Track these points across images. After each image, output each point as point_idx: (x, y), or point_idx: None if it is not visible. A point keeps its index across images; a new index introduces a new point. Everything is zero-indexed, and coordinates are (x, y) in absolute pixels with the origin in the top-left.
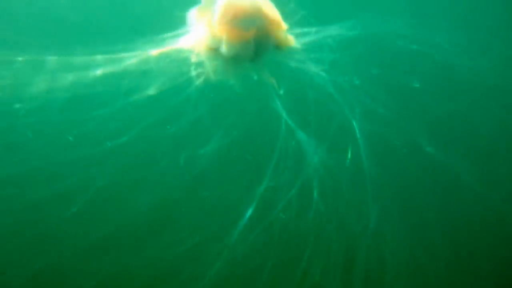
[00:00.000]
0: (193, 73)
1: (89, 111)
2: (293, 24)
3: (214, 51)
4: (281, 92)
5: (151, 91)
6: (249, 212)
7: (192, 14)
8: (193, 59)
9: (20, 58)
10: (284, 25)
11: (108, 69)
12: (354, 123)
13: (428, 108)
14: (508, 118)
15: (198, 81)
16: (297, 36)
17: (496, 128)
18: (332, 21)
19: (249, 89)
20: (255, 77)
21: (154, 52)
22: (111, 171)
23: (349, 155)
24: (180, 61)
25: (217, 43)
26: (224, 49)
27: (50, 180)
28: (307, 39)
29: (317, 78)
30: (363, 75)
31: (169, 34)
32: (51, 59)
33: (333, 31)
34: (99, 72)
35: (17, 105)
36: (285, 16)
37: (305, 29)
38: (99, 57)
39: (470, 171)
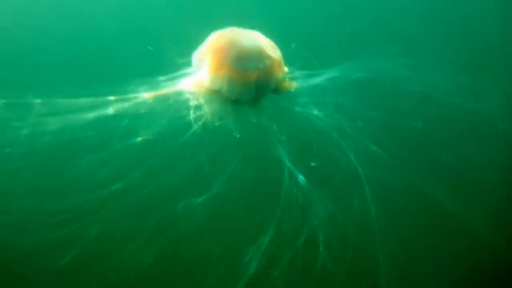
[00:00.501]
0: (192, 116)
1: (81, 157)
2: (294, 66)
3: (214, 93)
4: (283, 137)
5: (147, 135)
6: (252, 267)
7: (193, 56)
8: (192, 102)
9: (4, 100)
10: (285, 68)
11: (101, 112)
12: (360, 170)
13: (434, 152)
14: None
15: (197, 125)
16: (298, 78)
17: (504, 173)
18: (333, 62)
19: (250, 134)
20: (255, 121)
21: (150, 94)
22: (105, 221)
23: (356, 204)
24: (178, 103)
25: (218, 84)
26: (225, 90)
27: (39, 231)
28: (308, 82)
29: (319, 123)
30: (366, 119)
31: (167, 76)
32: (38, 101)
33: (334, 73)
34: (91, 115)
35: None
36: (287, 58)
37: (307, 72)
38: (91, 99)
39: (478, 217)
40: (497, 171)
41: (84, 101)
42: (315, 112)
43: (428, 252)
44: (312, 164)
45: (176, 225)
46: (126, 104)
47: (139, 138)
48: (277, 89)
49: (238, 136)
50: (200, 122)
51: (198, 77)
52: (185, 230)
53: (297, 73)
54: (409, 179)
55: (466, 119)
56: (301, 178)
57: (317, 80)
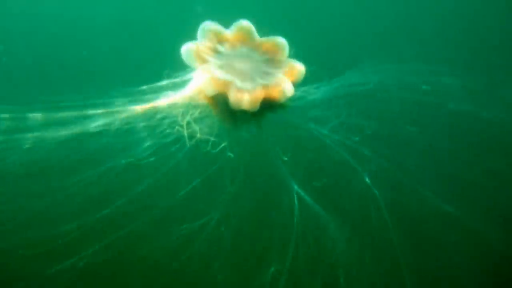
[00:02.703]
0: (184, 134)
1: (59, 180)
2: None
3: (210, 108)
4: (286, 158)
5: (132, 156)
6: None
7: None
8: (184, 117)
9: None
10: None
11: (78, 128)
12: (376, 191)
13: (453, 169)
14: None
15: (190, 144)
16: (302, 92)
17: None
18: (338, 73)
19: (250, 154)
20: (255, 139)
21: (135, 108)
22: (93, 250)
23: (374, 231)
24: (170, 118)
25: (215, 100)
26: (222, 107)
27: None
28: (312, 96)
29: (325, 140)
30: (376, 135)
31: (152, 87)
32: (6, 117)
33: (338, 85)
34: (65, 132)
35: None
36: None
37: (310, 85)
38: (66, 114)
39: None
40: None
41: (56, 116)
42: (322, 128)
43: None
44: (320, 184)
45: (170, 257)
46: (106, 120)
47: (123, 160)
48: (280, 103)
49: (235, 156)
50: (193, 141)
51: (191, 89)
52: (179, 264)
53: (302, 87)
54: (429, 200)
55: (484, 130)
56: (310, 202)
57: (321, 92)
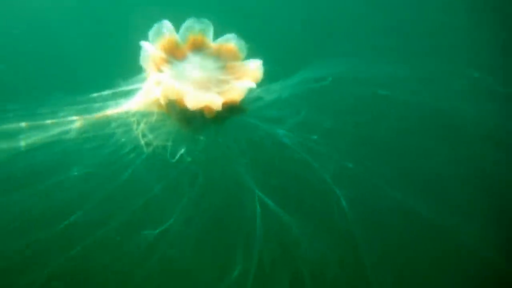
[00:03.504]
0: (141, 141)
1: (13, 193)
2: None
3: (166, 113)
4: (245, 160)
5: (91, 166)
6: None
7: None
8: (140, 124)
9: None
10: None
11: (32, 139)
12: (336, 189)
13: (411, 162)
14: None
15: (148, 151)
16: (259, 93)
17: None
18: (293, 70)
19: (208, 159)
20: (214, 143)
21: (93, 116)
22: (56, 262)
23: (337, 230)
24: (124, 126)
25: (171, 106)
26: (180, 114)
27: None
28: (270, 96)
29: (284, 140)
30: (333, 132)
31: (106, 93)
32: None
33: (294, 83)
34: (17, 143)
35: None
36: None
37: (267, 85)
38: (20, 125)
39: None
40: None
41: (5, 127)
42: (280, 128)
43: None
44: (280, 184)
45: (134, 264)
46: (58, 129)
47: (78, 171)
48: (237, 107)
49: (193, 161)
50: (150, 148)
51: (145, 96)
52: (145, 270)
53: (260, 87)
54: (389, 194)
55: (436, 120)
56: (272, 204)
57: (278, 91)
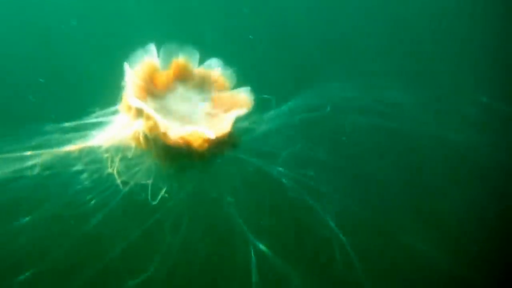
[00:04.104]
0: (117, 180)
1: None
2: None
3: (146, 148)
4: (236, 201)
5: (56, 208)
6: None
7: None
8: (115, 160)
9: None
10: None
11: None
12: (341, 236)
13: (412, 196)
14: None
15: (124, 191)
16: (249, 125)
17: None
18: (285, 100)
19: (194, 200)
20: (201, 183)
21: (61, 149)
22: None
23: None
24: (98, 161)
25: (152, 141)
26: (162, 151)
27: None
28: (261, 128)
29: (279, 178)
30: (331, 166)
31: (78, 124)
32: None
33: (287, 112)
34: None
35: None
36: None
37: (258, 115)
38: None
39: None
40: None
41: None
42: (273, 163)
43: None
44: (280, 231)
45: None
46: (22, 164)
47: (40, 214)
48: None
49: (176, 203)
50: (127, 187)
51: (123, 127)
52: None
53: (249, 119)
54: (399, 239)
55: (445, 153)
56: (268, 252)
57: (270, 121)
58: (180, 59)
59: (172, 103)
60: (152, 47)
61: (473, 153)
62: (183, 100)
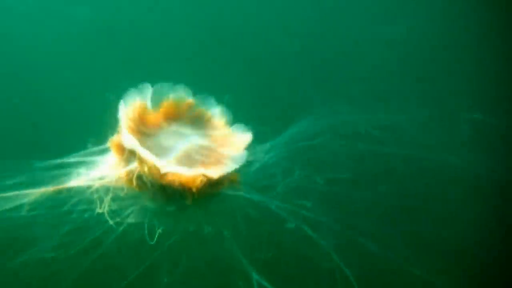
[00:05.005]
0: (111, 221)
1: None
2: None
3: (140, 188)
4: (236, 238)
5: (46, 250)
6: None
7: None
8: (106, 199)
9: None
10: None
11: None
12: (345, 269)
13: (415, 225)
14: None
15: (119, 231)
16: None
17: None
18: (281, 128)
19: (192, 239)
20: (198, 221)
21: (51, 188)
22: None
23: None
24: (88, 203)
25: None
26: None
27: None
28: (257, 160)
29: (278, 212)
30: (330, 196)
31: (74, 159)
32: None
33: (283, 143)
34: None
35: None
36: None
37: (254, 148)
38: None
39: None
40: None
41: None
42: (271, 197)
43: None
44: (282, 267)
45: None
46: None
47: (28, 257)
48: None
49: (173, 243)
50: (121, 227)
51: (116, 166)
52: None
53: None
54: (407, 271)
55: (447, 178)
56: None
57: (266, 154)
58: (172, 98)
59: (166, 140)
60: (144, 86)
61: (471, 174)
62: (178, 137)
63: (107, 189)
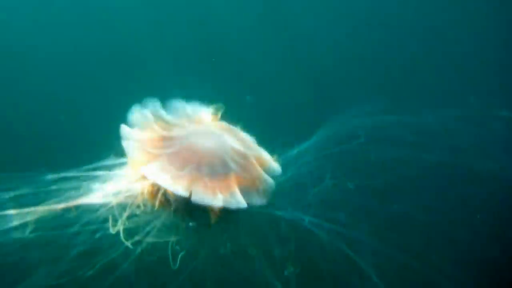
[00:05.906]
0: (127, 242)
1: None
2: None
3: (162, 204)
4: (267, 259)
5: (54, 277)
6: None
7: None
8: (123, 218)
9: None
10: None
11: None
12: None
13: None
14: None
15: (136, 254)
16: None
17: None
18: (305, 138)
19: (218, 261)
20: (224, 242)
21: (63, 204)
22: None
23: None
24: (100, 221)
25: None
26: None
27: None
28: (283, 173)
29: (311, 229)
30: (357, 207)
31: (78, 173)
32: None
33: (308, 152)
34: None
35: None
36: None
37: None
38: None
39: None
40: None
41: None
42: (302, 212)
43: None
44: None
45: None
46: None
47: (33, 284)
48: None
49: (198, 263)
50: (140, 249)
51: (133, 179)
52: None
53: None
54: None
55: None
56: None
57: (292, 165)
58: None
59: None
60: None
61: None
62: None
63: (123, 206)
